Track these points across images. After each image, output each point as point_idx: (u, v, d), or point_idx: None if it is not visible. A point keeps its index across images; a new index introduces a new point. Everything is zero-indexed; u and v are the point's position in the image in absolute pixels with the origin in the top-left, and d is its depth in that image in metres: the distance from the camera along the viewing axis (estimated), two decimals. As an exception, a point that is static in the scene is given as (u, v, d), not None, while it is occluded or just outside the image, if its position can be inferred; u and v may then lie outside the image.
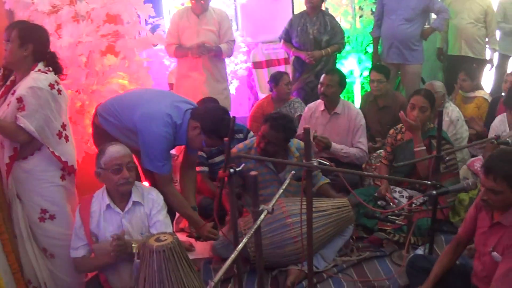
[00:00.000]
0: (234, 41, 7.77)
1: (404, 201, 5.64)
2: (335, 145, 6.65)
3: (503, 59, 9.88)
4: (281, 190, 3.56)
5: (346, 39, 8.82)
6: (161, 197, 4.82)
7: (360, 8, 9.95)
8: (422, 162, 5.68)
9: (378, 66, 7.89)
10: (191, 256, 5.35)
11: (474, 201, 4.32)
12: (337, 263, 5.35)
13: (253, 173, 3.31)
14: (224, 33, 7.60)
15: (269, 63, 10.11)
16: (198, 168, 6.19)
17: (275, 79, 7.56)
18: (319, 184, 5.82)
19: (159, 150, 4.97)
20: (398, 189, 6.10)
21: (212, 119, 4.92)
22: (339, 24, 8.52)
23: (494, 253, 3.96)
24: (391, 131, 6.43)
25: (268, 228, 5.01)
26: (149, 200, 4.70)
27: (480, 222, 4.20)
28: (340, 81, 6.81)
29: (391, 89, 8.00)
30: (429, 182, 4.43)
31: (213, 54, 7.46)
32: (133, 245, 4.39)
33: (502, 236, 3.93)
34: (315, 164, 3.69)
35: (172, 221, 5.57)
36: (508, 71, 9.26)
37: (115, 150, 4.51)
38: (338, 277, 5.14)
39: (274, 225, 5.02)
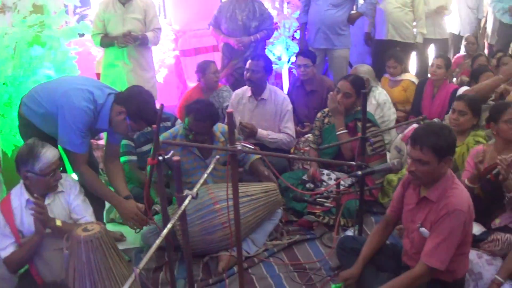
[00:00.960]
0: (160, 29, 7.70)
1: (333, 183, 5.67)
2: (261, 131, 6.65)
3: (425, 42, 10.02)
4: (205, 175, 3.55)
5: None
6: (77, 182, 4.78)
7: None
8: (345, 146, 5.75)
9: (305, 51, 7.88)
10: (122, 246, 5.34)
11: (401, 180, 4.39)
12: (268, 247, 5.38)
13: (175, 158, 3.29)
14: (150, 21, 7.54)
15: (197, 51, 10.05)
16: (126, 158, 6.14)
17: (202, 69, 7.51)
18: (251, 160, 5.80)
19: (79, 125, 4.78)
20: (326, 171, 6.14)
21: (137, 103, 4.84)
22: (268, 10, 8.51)
23: (422, 229, 4.02)
24: (319, 114, 6.47)
25: (197, 215, 5.00)
26: (67, 186, 4.66)
27: (407, 200, 4.26)
28: (266, 66, 6.81)
29: (318, 74, 8.04)
30: (354, 163, 4.47)
31: (140, 43, 7.38)
32: (56, 220, 4.34)
33: (429, 212, 4.00)
34: (239, 148, 3.68)
35: (102, 212, 5.54)
36: (431, 55, 9.44)
37: (51, 155, 4.43)
38: (269, 261, 5.18)
39: (203, 212, 5.02)
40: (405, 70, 8.59)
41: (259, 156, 5.79)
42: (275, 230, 5.57)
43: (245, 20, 8.11)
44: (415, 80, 8.28)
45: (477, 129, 5.63)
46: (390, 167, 4.24)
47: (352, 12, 8.78)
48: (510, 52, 9.27)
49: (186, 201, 3.26)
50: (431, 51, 10.18)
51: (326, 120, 6.33)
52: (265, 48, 8.57)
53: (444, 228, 3.86)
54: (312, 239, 5.56)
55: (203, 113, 5.30)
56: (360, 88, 5.74)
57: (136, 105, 4.83)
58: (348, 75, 6.31)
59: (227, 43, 8.31)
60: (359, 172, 4.30)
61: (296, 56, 7.80)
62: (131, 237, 5.57)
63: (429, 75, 7.91)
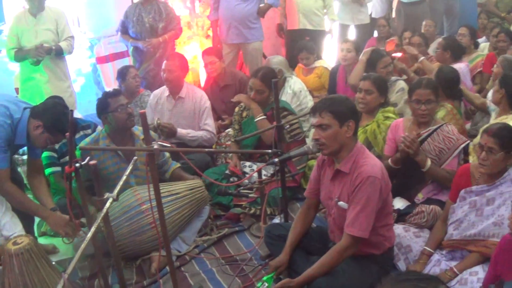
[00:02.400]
0: (73, 37, 7.67)
1: (255, 174, 5.78)
2: (180, 130, 6.69)
3: (343, 29, 10.22)
4: (123, 177, 3.59)
5: (187, 25, 8.89)
6: (3, 199, 4.77)
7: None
8: (266, 132, 5.81)
9: (207, 50, 8.02)
10: (56, 258, 5.32)
11: (316, 161, 4.51)
12: (198, 243, 5.43)
13: (92, 162, 3.34)
14: (62, 30, 7.51)
15: (113, 57, 10.02)
16: (50, 169, 6.11)
17: (122, 74, 7.47)
18: (171, 169, 5.83)
19: None
20: (248, 163, 6.23)
21: (52, 115, 4.84)
22: (174, 10, 8.54)
23: (340, 202, 4.14)
24: (236, 109, 6.56)
25: (124, 217, 5.02)
26: None
27: (323, 179, 4.37)
28: (181, 65, 6.87)
29: (228, 68, 8.19)
30: (270, 151, 4.56)
31: (55, 53, 7.36)
32: None
33: (344, 185, 4.12)
34: (156, 147, 3.74)
35: (32, 226, 5.52)
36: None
37: None
38: (201, 257, 5.23)
39: (130, 214, 5.03)
40: (318, 57, 8.76)
41: (179, 165, 5.86)
42: (204, 226, 5.62)
43: (151, 22, 8.12)
44: (328, 67, 8.45)
45: (385, 106, 5.79)
46: (306, 150, 4.30)
47: (261, 5, 8.87)
48: (423, 30, 9.56)
49: (108, 204, 3.31)
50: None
51: (244, 114, 6.43)
52: (174, 48, 8.60)
53: (361, 196, 3.98)
54: (241, 231, 5.64)
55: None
56: (272, 80, 5.86)
57: (52, 118, 4.83)
58: (257, 71, 6.33)
59: (136, 47, 8.31)
60: (276, 159, 4.39)
61: (202, 55, 7.90)
62: (64, 248, 5.53)
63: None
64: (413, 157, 4.96)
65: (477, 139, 5.54)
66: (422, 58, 7.80)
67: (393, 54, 7.78)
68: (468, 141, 5.13)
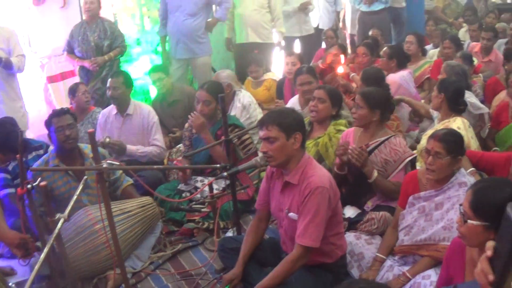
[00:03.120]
0: (24, 55, 7.62)
1: (207, 189, 5.79)
2: (130, 147, 6.70)
3: (288, 41, 10.29)
4: (74, 197, 3.58)
5: (136, 41, 8.89)
6: None
7: (147, 9, 9.99)
8: (215, 151, 5.87)
9: (154, 67, 8.08)
10: (14, 280, 5.25)
11: (265, 173, 4.54)
12: (153, 260, 5.41)
13: (42, 184, 3.32)
14: (14, 49, 7.47)
15: (64, 76, 9.95)
16: (5, 191, 6.05)
17: (72, 91, 7.42)
18: (123, 186, 5.82)
19: None
20: (199, 178, 6.25)
21: (0, 135, 4.83)
22: (119, 28, 8.59)
23: (291, 214, 4.17)
24: (186, 125, 6.59)
25: (79, 238, 4.99)
26: None
27: (273, 191, 4.40)
28: (126, 81, 6.88)
29: (176, 83, 8.27)
30: (218, 165, 4.58)
31: (4, 65, 7.30)
32: None
33: (294, 196, 4.15)
34: (105, 165, 3.73)
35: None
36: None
37: None
38: (156, 273, 5.22)
39: (84, 234, 5.00)
40: (267, 70, 8.82)
41: (131, 182, 5.85)
42: (158, 242, 5.62)
43: (97, 41, 8.12)
44: (277, 79, 8.51)
45: (337, 119, 5.83)
46: (254, 163, 4.35)
47: (209, 19, 8.93)
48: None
49: (59, 224, 3.30)
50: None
51: (194, 130, 6.42)
52: (120, 66, 8.60)
53: (310, 206, 4.01)
54: (195, 246, 5.64)
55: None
56: (218, 93, 5.87)
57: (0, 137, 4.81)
58: (204, 83, 6.41)
59: (82, 66, 8.30)
60: (225, 173, 4.41)
61: (149, 73, 7.93)
62: (22, 270, 5.50)
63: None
64: (361, 168, 5.01)
65: (421, 145, 5.65)
66: (352, 74, 7.91)
67: (337, 70, 7.86)
68: (415, 155, 5.19)
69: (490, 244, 2.12)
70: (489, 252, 2.10)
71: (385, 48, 8.06)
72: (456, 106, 5.82)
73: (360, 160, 4.94)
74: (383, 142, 5.17)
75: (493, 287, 2.03)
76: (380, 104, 5.19)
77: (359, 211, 5.21)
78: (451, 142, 4.32)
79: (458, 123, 5.62)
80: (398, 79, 7.38)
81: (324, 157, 5.60)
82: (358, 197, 5.30)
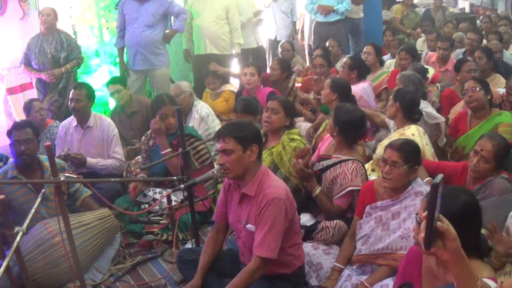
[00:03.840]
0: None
1: (165, 200, 5.77)
2: (90, 160, 6.67)
3: (244, 52, 10.32)
4: (33, 210, 3.55)
5: (95, 53, 8.86)
6: None
7: (106, 20, 9.95)
8: (171, 163, 5.89)
9: (112, 79, 8.08)
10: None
11: (222, 184, 4.56)
12: (113, 272, 5.38)
13: (1, 197, 3.30)
14: None
15: (23, 88, 9.86)
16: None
17: (27, 109, 7.35)
18: (82, 197, 5.79)
19: None
20: (158, 189, 6.24)
21: None
22: (75, 40, 8.59)
23: (248, 225, 4.20)
24: (143, 138, 6.63)
25: (38, 251, 4.95)
26: None
27: (230, 203, 4.43)
28: (89, 94, 6.85)
29: (134, 94, 8.25)
30: (175, 177, 4.59)
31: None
32: None
33: (251, 207, 4.18)
34: (63, 178, 3.71)
35: None
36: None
37: None
38: (116, 286, 5.19)
39: (43, 247, 4.96)
40: (226, 81, 8.84)
41: (89, 193, 5.81)
42: (117, 254, 5.58)
43: (53, 53, 8.10)
44: (235, 90, 8.54)
45: (291, 128, 5.88)
46: (210, 176, 4.36)
47: (167, 30, 8.94)
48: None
49: (18, 238, 3.27)
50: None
51: (150, 143, 6.46)
52: (77, 78, 8.57)
53: (267, 218, 4.04)
54: (154, 258, 5.62)
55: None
56: (175, 104, 5.85)
57: None
58: (162, 98, 6.42)
59: (39, 79, 8.26)
60: (182, 185, 4.41)
61: (107, 85, 7.92)
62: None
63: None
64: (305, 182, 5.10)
65: (377, 154, 5.72)
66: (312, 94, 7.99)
67: (296, 85, 7.91)
68: (358, 187, 5.11)
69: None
70: (424, 214, 2.30)
71: (345, 59, 8.12)
72: (411, 114, 5.93)
73: (299, 176, 5.00)
74: (340, 162, 5.24)
75: (424, 243, 2.31)
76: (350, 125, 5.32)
77: (315, 219, 5.27)
78: (408, 152, 4.38)
79: (412, 130, 5.74)
80: (359, 91, 7.44)
81: (279, 166, 5.64)
82: (312, 207, 5.37)
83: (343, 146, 5.37)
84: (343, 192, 5.12)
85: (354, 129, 5.37)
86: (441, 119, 6.57)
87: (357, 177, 5.14)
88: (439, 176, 2.25)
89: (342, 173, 5.16)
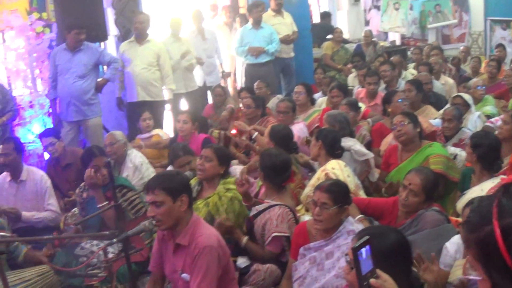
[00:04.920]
0: None
1: (100, 254, 5.75)
2: (25, 214, 6.62)
3: (176, 98, 10.38)
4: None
5: (29, 104, 8.83)
6: None
7: (39, 71, 9.91)
8: (106, 216, 5.87)
9: (45, 132, 8.01)
10: None
11: (156, 236, 4.58)
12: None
13: None
14: None
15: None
16: None
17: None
18: (23, 252, 5.74)
19: None
20: (95, 242, 6.20)
21: None
22: (9, 92, 8.58)
23: (184, 275, 4.24)
24: (77, 190, 6.58)
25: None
26: None
27: (165, 253, 4.46)
28: (16, 147, 6.82)
29: (68, 146, 8.21)
30: (107, 232, 4.59)
31: None
32: None
33: (185, 257, 4.23)
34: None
35: None
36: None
37: None
38: None
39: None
40: (158, 126, 8.89)
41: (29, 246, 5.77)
42: (57, 309, 5.55)
43: (-12, 105, 8.05)
44: (165, 135, 8.60)
45: (227, 177, 5.91)
46: (142, 228, 4.39)
47: (99, 79, 8.96)
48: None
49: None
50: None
51: (84, 195, 6.43)
52: (13, 130, 8.51)
53: (200, 266, 4.09)
54: (95, 310, 5.59)
55: None
56: (105, 155, 5.86)
57: None
58: (92, 152, 6.45)
59: (-27, 131, 8.18)
60: (114, 240, 4.42)
61: (40, 138, 7.85)
62: None
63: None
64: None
65: (304, 195, 5.82)
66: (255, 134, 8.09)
67: (232, 132, 7.99)
68: (284, 234, 5.26)
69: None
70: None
71: (287, 104, 8.16)
72: (333, 151, 6.09)
73: (220, 232, 5.12)
74: (269, 207, 5.37)
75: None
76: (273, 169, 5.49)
77: (249, 261, 5.30)
78: (337, 192, 4.47)
79: (332, 164, 5.89)
80: (297, 132, 7.55)
81: (216, 217, 5.62)
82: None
83: (272, 191, 5.50)
84: (270, 239, 5.21)
85: (278, 173, 5.51)
86: (369, 155, 6.71)
87: (283, 223, 5.23)
88: (361, 240, 2.33)
89: (269, 220, 5.26)
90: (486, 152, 5.51)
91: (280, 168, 5.51)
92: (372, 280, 2.34)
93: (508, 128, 6.37)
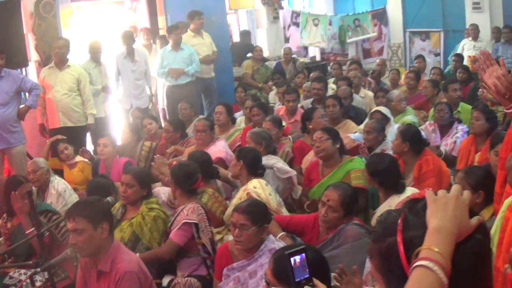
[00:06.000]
0: None
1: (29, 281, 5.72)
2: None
3: (126, 112, 10.42)
4: None
5: None
6: None
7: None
8: (35, 243, 5.80)
9: None
10: None
11: (79, 264, 4.61)
12: None
13: None
14: None
15: None
16: None
17: None
18: None
19: None
20: (23, 271, 6.15)
21: None
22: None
23: None
24: (1, 221, 6.52)
25: None
26: None
27: (89, 280, 4.49)
28: None
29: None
30: (31, 262, 4.59)
31: None
32: None
33: (109, 283, 4.27)
34: None
35: None
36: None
37: None
38: None
39: None
40: (79, 152, 8.84)
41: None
42: None
43: None
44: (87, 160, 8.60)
45: (149, 198, 6.00)
46: (65, 256, 4.41)
47: (21, 106, 8.90)
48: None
49: None
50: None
51: (9, 225, 6.38)
52: None
53: None
54: None
55: None
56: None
57: None
58: (17, 181, 6.43)
59: None
60: (38, 269, 4.41)
61: None
62: None
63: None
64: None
65: (227, 214, 5.91)
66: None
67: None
68: (191, 221, 5.48)
69: None
70: None
71: (203, 122, 8.21)
72: (255, 170, 6.19)
73: None
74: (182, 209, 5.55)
75: None
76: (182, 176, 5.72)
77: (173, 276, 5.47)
78: (255, 213, 4.56)
79: (254, 183, 5.99)
80: (218, 151, 7.69)
81: (140, 237, 5.72)
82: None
83: (184, 198, 5.69)
84: (179, 225, 5.39)
85: (186, 177, 5.71)
86: (292, 172, 6.82)
87: (193, 214, 5.44)
88: (296, 248, 2.43)
89: (181, 214, 5.47)
90: (385, 177, 5.68)
91: (188, 172, 5.73)
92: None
93: (396, 143, 6.57)
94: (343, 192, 5.09)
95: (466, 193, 1.86)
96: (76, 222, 4.15)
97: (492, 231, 2.36)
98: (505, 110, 3.45)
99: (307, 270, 2.46)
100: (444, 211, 1.79)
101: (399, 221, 1.85)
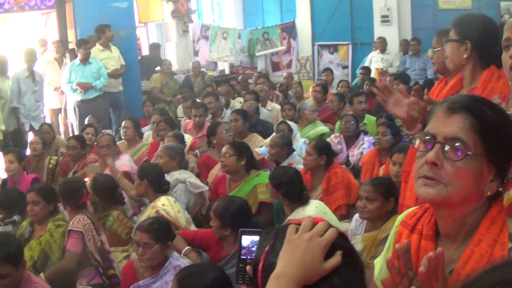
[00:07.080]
0: None
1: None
2: None
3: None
4: None
5: None
6: None
7: None
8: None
9: None
10: None
11: None
12: None
13: None
14: None
15: None
16: None
17: None
18: None
19: None
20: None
21: None
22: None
23: None
24: None
25: None
26: None
27: None
28: None
29: None
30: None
31: None
32: None
33: None
34: None
35: None
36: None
37: None
38: None
39: None
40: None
41: None
42: None
43: None
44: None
45: (55, 215, 5.97)
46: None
47: None
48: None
49: None
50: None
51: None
52: None
53: None
54: None
55: None
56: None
57: None
58: None
59: None
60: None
61: None
62: None
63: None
64: None
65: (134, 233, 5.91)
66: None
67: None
68: (82, 231, 5.59)
69: None
70: None
71: (107, 137, 8.18)
72: (160, 187, 6.23)
73: None
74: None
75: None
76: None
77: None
78: (157, 231, 4.60)
79: (162, 201, 6.01)
80: (123, 165, 7.71)
81: (50, 254, 5.71)
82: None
83: (72, 213, 5.78)
84: (68, 235, 5.54)
85: (72, 193, 5.86)
86: (204, 187, 6.87)
87: (78, 223, 5.55)
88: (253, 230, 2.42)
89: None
90: (289, 189, 5.77)
91: (72, 189, 5.85)
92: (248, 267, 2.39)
93: (312, 159, 6.66)
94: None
95: (330, 233, 1.84)
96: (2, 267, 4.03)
97: (386, 246, 2.43)
98: (408, 133, 3.46)
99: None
100: (291, 256, 1.82)
101: (268, 246, 1.93)
